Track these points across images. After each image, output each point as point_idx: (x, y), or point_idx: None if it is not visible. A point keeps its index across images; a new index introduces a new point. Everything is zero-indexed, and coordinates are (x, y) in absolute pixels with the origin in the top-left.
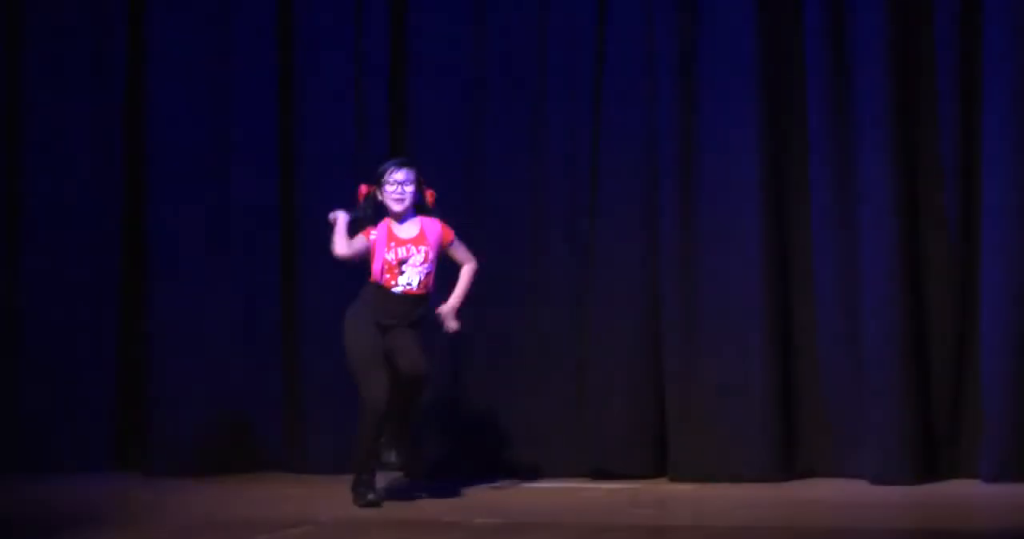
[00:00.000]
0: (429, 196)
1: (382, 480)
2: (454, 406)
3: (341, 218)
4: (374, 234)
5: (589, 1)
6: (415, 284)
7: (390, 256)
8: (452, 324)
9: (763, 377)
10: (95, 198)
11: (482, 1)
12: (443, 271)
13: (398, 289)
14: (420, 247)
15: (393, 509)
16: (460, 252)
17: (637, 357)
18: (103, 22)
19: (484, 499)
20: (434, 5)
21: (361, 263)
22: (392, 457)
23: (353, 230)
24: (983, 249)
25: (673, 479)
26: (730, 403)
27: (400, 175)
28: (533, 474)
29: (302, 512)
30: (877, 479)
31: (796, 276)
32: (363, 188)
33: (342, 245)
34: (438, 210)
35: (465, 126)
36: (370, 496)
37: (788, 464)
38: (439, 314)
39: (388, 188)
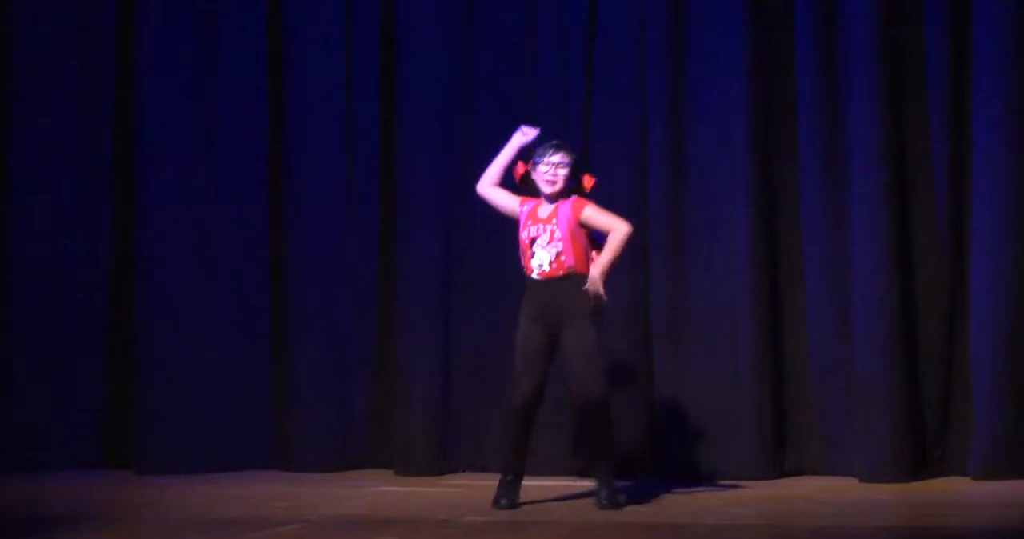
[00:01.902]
0: (587, 180)
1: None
2: (443, 403)
3: (516, 139)
4: (527, 207)
5: None
6: (547, 265)
7: (524, 234)
8: (596, 288)
9: (752, 375)
10: (84, 199)
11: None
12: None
13: (535, 275)
14: (546, 226)
15: (383, 507)
16: (602, 219)
17: (627, 354)
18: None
19: (472, 496)
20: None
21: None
22: (603, 500)
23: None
24: (973, 247)
25: (662, 477)
26: (719, 401)
27: (556, 157)
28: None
29: (293, 510)
30: (866, 477)
31: (786, 275)
32: (520, 167)
33: (487, 179)
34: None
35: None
36: (502, 501)
37: (778, 462)
38: (586, 287)
39: (541, 168)
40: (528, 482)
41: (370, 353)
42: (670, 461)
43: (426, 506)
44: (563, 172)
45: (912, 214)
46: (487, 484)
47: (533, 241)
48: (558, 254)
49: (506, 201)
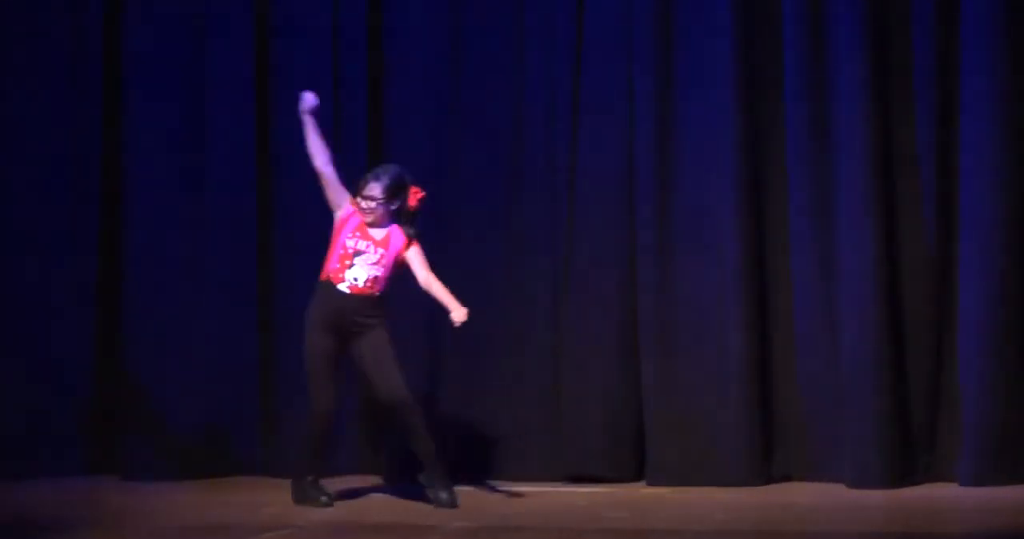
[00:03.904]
0: (412, 199)
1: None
2: (431, 409)
3: (308, 100)
4: (349, 210)
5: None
6: (361, 282)
7: (350, 242)
8: (456, 316)
9: (740, 381)
10: (72, 203)
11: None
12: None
13: (343, 285)
14: (379, 249)
15: (371, 513)
16: (417, 263)
17: (615, 361)
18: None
19: (462, 503)
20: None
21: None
22: (444, 497)
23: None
24: (960, 251)
25: (651, 483)
26: (707, 407)
27: (368, 191)
28: (511, 478)
29: (280, 516)
30: (854, 483)
31: (773, 280)
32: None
33: (318, 155)
34: (421, 210)
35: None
36: (323, 498)
37: (765, 468)
38: (453, 321)
39: (360, 203)
40: (515, 488)
41: None
42: (657, 467)
43: (414, 512)
44: (373, 205)
45: (899, 219)
46: (477, 490)
47: (357, 254)
48: (376, 277)
49: (336, 195)
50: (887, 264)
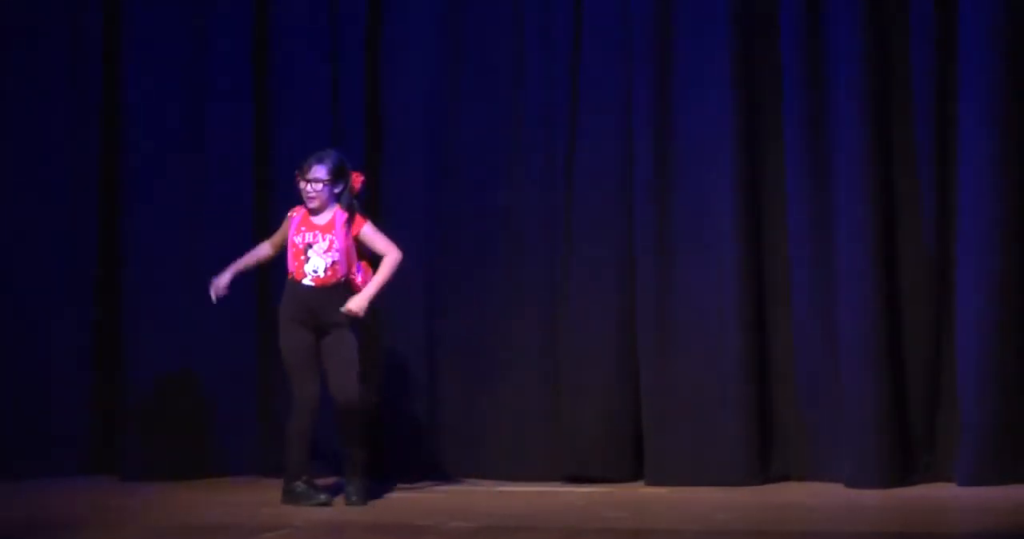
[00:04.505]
0: (355, 180)
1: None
2: (428, 409)
3: (224, 279)
4: (296, 214)
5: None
6: (321, 272)
7: (297, 239)
8: (353, 306)
9: (739, 381)
10: (72, 202)
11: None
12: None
13: (307, 280)
14: (327, 235)
15: (368, 513)
16: (379, 242)
17: (612, 360)
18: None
19: (459, 503)
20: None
21: None
22: (352, 497)
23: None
24: (958, 250)
25: (650, 483)
26: (706, 407)
27: (310, 173)
28: (508, 478)
29: (279, 516)
30: (853, 483)
31: (771, 280)
32: (356, 178)
33: (260, 254)
34: (362, 195)
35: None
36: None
37: (764, 468)
38: (349, 301)
39: (307, 187)
40: (514, 488)
41: None
42: (656, 467)
43: (411, 512)
44: (319, 187)
45: (897, 219)
46: (474, 490)
47: (308, 247)
48: (334, 263)
49: (282, 233)
50: (886, 264)
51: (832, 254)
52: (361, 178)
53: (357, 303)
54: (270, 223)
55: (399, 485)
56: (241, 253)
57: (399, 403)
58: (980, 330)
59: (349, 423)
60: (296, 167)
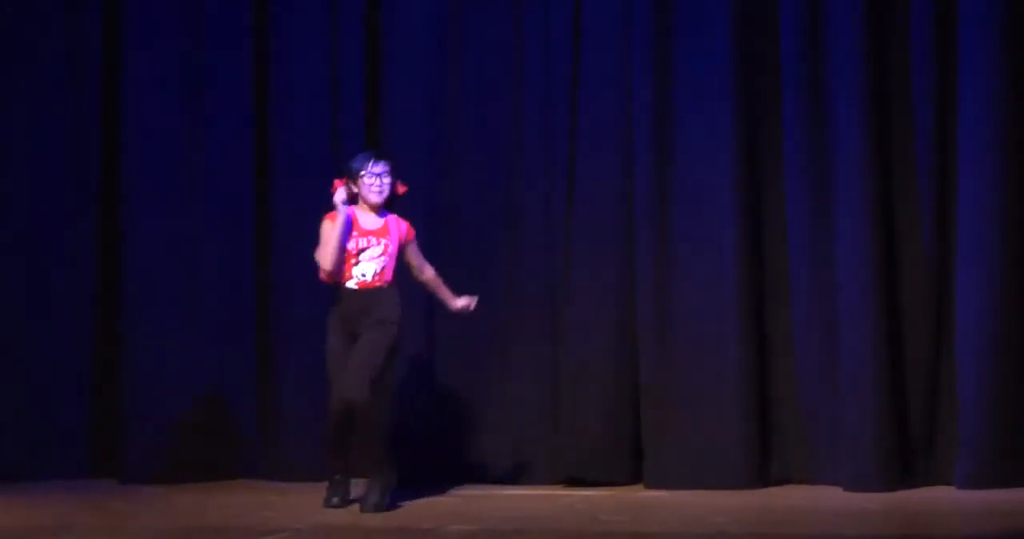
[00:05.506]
0: (399, 188)
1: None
2: (429, 412)
3: (341, 212)
4: (342, 210)
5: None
6: (369, 276)
7: (350, 245)
8: (462, 303)
9: (738, 384)
10: (70, 204)
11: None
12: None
13: (352, 283)
14: (381, 239)
15: (368, 516)
16: (417, 254)
17: (613, 364)
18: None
19: (459, 506)
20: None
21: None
22: (365, 503)
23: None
24: (958, 255)
25: (650, 486)
26: (705, 410)
27: (379, 167)
28: (508, 481)
29: (279, 519)
30: (852, 486)
31: (771, 285)
32: (337, 183)
33: (331, 256)
34: (400, 205)
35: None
36: (334, 500)
37: (763, 471)
38: (456, 310)
39: (367, 180)
40: (514, 491)
41: None
42: (656, 470)
43: (412, 515)
44: (388, 180)
45: (897, 226)
46: (474, 493)
47: (361, 252)
48: (384, 269)
49: (334, 236)
50: (885, 265)
51: (832, 256)
52: (405, 188)
53: (465, 299)
54: (270, 223)
55: (399, 488)
56: (241, 253)
57: (398, 404)
58: (980, 331)
59: (361, 425)
60: (346, 165)
